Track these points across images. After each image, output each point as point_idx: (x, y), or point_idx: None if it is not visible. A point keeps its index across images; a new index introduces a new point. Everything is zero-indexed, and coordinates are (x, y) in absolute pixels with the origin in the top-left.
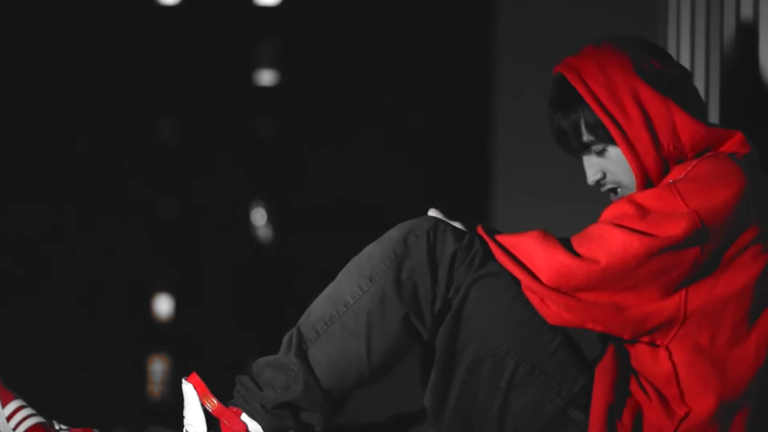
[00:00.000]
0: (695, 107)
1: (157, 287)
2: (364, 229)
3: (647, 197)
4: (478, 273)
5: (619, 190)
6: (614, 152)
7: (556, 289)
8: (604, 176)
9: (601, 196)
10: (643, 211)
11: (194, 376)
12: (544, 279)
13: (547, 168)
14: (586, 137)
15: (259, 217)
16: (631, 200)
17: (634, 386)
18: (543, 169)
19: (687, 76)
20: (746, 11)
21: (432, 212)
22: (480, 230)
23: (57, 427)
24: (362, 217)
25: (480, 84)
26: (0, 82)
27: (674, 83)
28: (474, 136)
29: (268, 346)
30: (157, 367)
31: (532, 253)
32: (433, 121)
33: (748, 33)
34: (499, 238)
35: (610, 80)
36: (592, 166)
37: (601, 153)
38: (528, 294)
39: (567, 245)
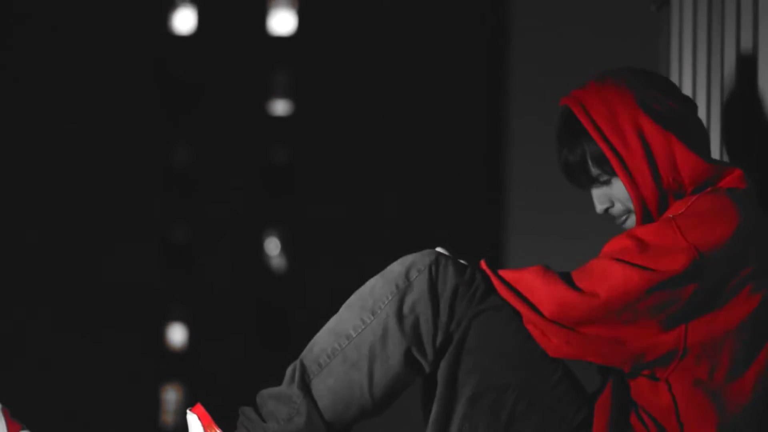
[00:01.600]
0: (698, 142)
1: (170, 315)
2: (376, 255)
3: (647, 232)
4: (480, 307)
5: (627, 220)
6: (619, 183)
7: (557, 323)
8: (612, 205)
9: (603, 229)
10: (643, 245)
11: (199, 407)
12: (546, 312)
13: (558, 198)
14: (593, 170)
15: (273, 246)
16: (631, 235)
17: (633, 419)
18: (554, 198)
19: (692, 109)
20: (746, 42)
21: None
22: (483, 265)
23: None
24: (374, 242)
25: (494, 112)
26: (19, 103)
27: (677, 118)
28: (487, 162)
29: (276, 375)
30: (171, 396)
31: (534, 287)
32: (445, 149)
33: (748, 63)
34: (502, 272)
35: (613, 112)
36: (600, 197)
37: (607, 183)
38: (529, 327)
39: (568, 280)
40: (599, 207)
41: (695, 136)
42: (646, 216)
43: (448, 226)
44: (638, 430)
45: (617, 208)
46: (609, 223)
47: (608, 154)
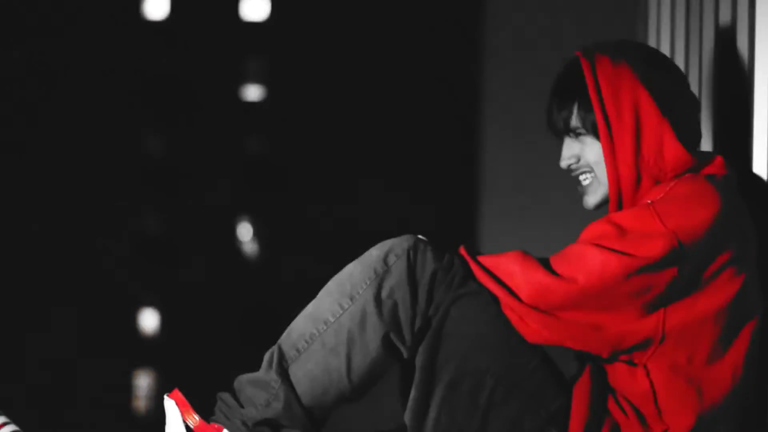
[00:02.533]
0: (689, 128)
1: (143, 301)
2: (350, 243)
3: (625, 217)
4: (458, 292)
5: (588, 178)
6: (595, 146)
7: (535, 308)
8: (578, 161)
9: (581, 215)
10: (621, 231)
11: (176, 392)
12: (524, 297)
13: (532, 186)
14: (574, 122)
15: (245, 231)
16: (609, 220)
17: (611, 404)
18: (526, 188)
19: (689, 89)
20: (724, 18)
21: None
22: (462, 250)
23: None
24: (348, 231)
25: (469, 101)
26: None
27: (676, 101)
28: (462, 152)
29: (255, 361)
30: (143, 381)
31: (512, 272)
32: (420, 137)
33: (727, 42)
34: (480, 258)
35: (618, 82)
36: (569, 150)
37: (582, 140)
38: (507, 312)
39: (546, 265)
40: (564, 162)
41: (688, 121)
42: (616, 191)
43: (425, 215)
44: (616, 415)
45: (581, 164)
46: (584, 211)
47: (598, 117)
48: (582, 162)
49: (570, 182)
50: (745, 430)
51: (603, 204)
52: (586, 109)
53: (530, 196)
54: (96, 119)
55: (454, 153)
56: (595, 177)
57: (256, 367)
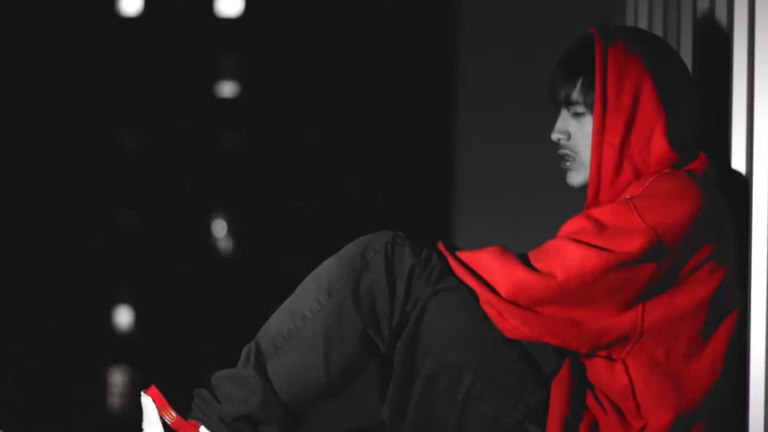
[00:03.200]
0: (683, 130)
1: (119, 298)
2: (325, 240)
3: (604, 213)
4: (436, 287)
5: (570, 161)
6: (589, 125)
7: (514, 303)
8: (568, 138)
9: (559, 210)
10: (600, 226)
11: (153, 389)
12: (503, 293)
13: (507, 183)
14: (575, 95)
15: (219, 228)
16: (588, 216)
17: (590, 400)
18: (503, 184)
19: (693, 89)
20: (702, 5)
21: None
22: (440, 246)
23: None
24: (323, 227)
25: (444, 99)
26: None
27: (678, 104)
28: (436, 150)
29: (230, 357)
30: (118, 378)
31: (491, 267)
32: (396, 134)
33: (705, 28)
34: (458, 253)
35: (626, 65)
36: (564, 124)
37: (578, 117)
38: (486, 308)
39: (525, 260)
40: (555, 134)
41: (684, 123)
42: (596, 173)
43: (402, 211)
44: (595, 411)
45: (569, 145)
46: (559, 208)
47: (597, 94)
48: (571, 142)
49: (545, 178)
50: (724, 426)
51: (586, 184)
52: (589, 85)
53: (505, 192)
54: (71, 115)
55: (430, 149)
56: (579, 159)
57: (232, 363)
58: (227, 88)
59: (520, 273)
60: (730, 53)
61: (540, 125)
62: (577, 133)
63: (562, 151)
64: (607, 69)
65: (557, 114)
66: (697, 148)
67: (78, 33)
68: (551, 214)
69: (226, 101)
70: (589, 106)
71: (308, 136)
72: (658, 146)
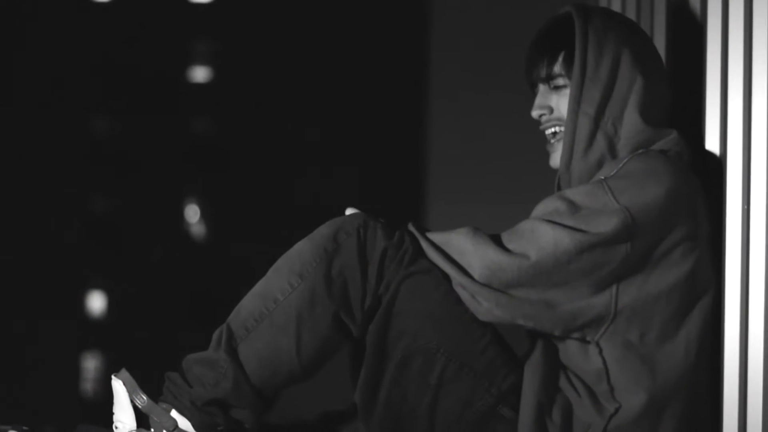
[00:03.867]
0: (655, 105)
1: (91, 284)
2: (296, 225)
3: (578, 194)
4: (409, 270)
5: (558, 132)
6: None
7: (487, 286)
8: (551, 112)
9: (530, 196)
10: (574, 207)
11: (124, 372)
12: (475, 275)
13: (479, 168)
14: (557, 69)
15: (192, 213)
16: (561, 197)
17: (563, 383)
18: (475, 169)
19: (663, 66)
20: None
21: (350, 211)
22: (410, 227)
23: None
24: (294, 212)
25: (415, 83)
26: None
27: (650, 76)
28: (409, 135)
29: (203, 342)
30: (90, 363)
31: (463, 249)
32: (368, 120)
33: (679, 12)
34: (430, 235)
35: (605, 36)
36: (543, 100)
37: (558, 89)
38: (459, 291)
39: (497, 241)
40: (536, 111)
41: (657, 98)
42: (570, 141)
43: (373, 194)
44: (568, 393)
45: (553, 116)
46: (532, 188)
47: (577, 65)
48: (554, 114)
49: (517, 159)
50: (698, 409)
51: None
52: (571, 57)
53: (477, 173)
54: (40, 101)
55: (401, 131)
56: (557, 141)
57: (204, 347)
58: (199, 74)
59: (492, 255)
60: (703, 33)
61: (513, 106)
62: (559, 104)
63: (548, 124)
64: (588, 41)
65: (533, 96)
66: (671, 128)
67: (47, 18)
68: (523, 194)
69: (198, 86)
70: (568, 77)
71: (280, 122)
72: (631, 118)
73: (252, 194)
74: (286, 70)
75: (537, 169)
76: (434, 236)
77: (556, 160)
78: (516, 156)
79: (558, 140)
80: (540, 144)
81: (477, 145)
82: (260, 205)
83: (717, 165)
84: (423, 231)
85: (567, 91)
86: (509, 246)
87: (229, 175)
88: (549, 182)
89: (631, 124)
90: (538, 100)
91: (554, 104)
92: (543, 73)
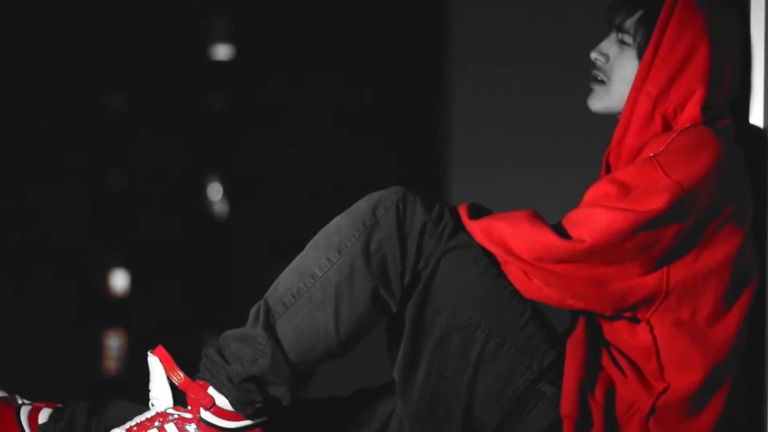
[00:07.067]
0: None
1: (111, 262)
2: (317, 203)
3: (629, 174)
4: (448, 245)
5: (598, 84)
6: (632, 61)
7: (539, 261)
8: (606, 61)
9: (561, 176)
10: (625, 189)
11: (160, 348)
12: (525, 255)
13: (506, 141)
14: (629, 25)
15: (215, 191)
16: (612, 179)
17: (606, 360)
18: (502, 142)
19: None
20: None
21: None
22: (462, 210)
23: (20, 401)
24: (314, 191)
25: (434, 61)
26: None
27: (727, 66)
28: (427, 110)
29: (222, 320)
30: (114, 342)
31: (521, 229)
32: (385, 99)
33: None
34: (483, 219)
35: (690, 21)
36: (607, 47)
37: (623, 46)
38: (509, 268)
39: (554, 227)
40: (595, 54)
41: (727, 86)
42: (627, 116)
43: (391, 176)
44: (610, 371)
45: (604, 69)
46: (555, 178)
47: (653, 41)
48: (607, 66)
49: (545, 139)
50: (739, 393)
51: (605, 114)
52: (647, 22)
53: (505, 149)
54: (53, 74)
55: (421, 113)
56: (607, 87)
57: (235, 325)
58: (221, 52)
59: (548, 236)
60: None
61: (539, 80)
62: (616, 60)
63: (596, 72)
64: (672, 17)
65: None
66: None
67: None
68: (553, 177)
69: (216, 63)
70: (637, 42)
71: (299, 101)
72: (692, 110)
73: (272, 170)
74: (304, 49)
75: (566, 147)
76: (486, 221)
77: (593, 102)
78: (545, 135)
79: (600, 89)
80: (569, 132)
81: (504, 120)
82: (280, 181)
83: (761, 139)
84: (475, 211)
85: (628, 51)
86: (565, 233)
87: (247, 152)
88: (577, 169)
89: (691, 114)
90: (602, 44)
91: (612, 55)
92: (617, 20)
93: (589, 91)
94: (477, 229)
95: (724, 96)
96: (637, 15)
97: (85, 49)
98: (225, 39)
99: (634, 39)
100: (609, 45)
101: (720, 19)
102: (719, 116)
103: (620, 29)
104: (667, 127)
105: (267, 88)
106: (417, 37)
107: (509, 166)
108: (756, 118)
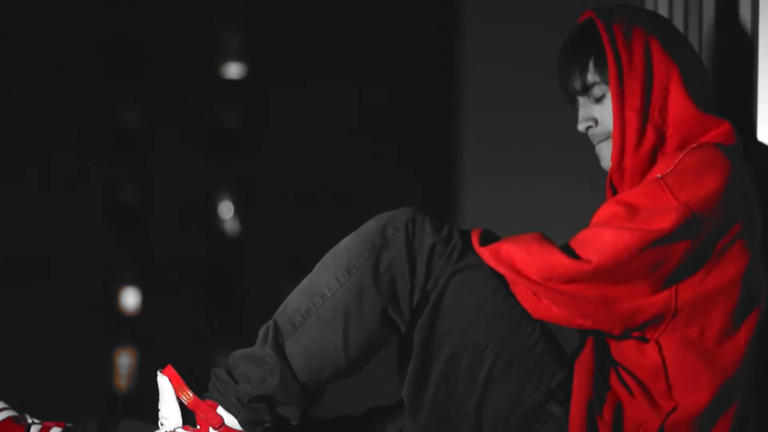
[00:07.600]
0: (697, 82)
1: (122, 279)
2: (331, 220)
3: (635, 195)
4: (457, 265)
5: (604, 141)
6: (610, 103)
7: (547, 281)
8: (596, 124)
9: (568, 197)
10: (632, 210)
11: (169, 368)
12: (534, 275)
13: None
14: (591, 77)
15: (226, 209)
16: (619, 201)
17: (614, 380)
18: (511, 165)
19: (690, 45)
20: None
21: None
22: (474, 237)
23: (30, 420)
24: (329, 207)
25: (448, 71)
26: None
27: (686, 55)
28: (442, 126)
29: (235, 339)
30: (124, 360)
31: (531, 250)
32: (401, 113)
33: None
34: (491, 246)
35: (631, 31)
36: (587, 112)
37: (599, 100)
38: (515, 288)
39: (562, 248)
40: (582, 125)
41: (696, 75)
42: (619, 139)
43: (403, 195)
44: (618, 391)
45: (599, 130)
46: (565, 192)
47: (610, 61)
48: (599, 128)
49: (554, 165)
50: (748, 412)
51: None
52: (602, 61)
53: (513, 173)
54: (66, 86)
55: (436, 127)
56: (610, 139)
57: (245, 344)
58: (233, 70)
59: (558, 256)
60: (755, 22)
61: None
62: (604, 116)
63: (597, 135)
64: (615, 36)
65: (574, 109)
66: (722, 117)
67: (73, 8)
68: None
69: (230, 82)
70: (607, 84)
71: (311, 119)
72: (677, 101)
73: (285, 186)
74: (318, 64)
75: (578, 168)
76: (495, 246)
77: (608, 159)
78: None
79: (605, 140)
80: (577, 141)
81: (513, 141)
82: (294, 197)
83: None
84: (487, 238)
85: (608, 101)
86: (573, 253)
87: (260, 168)
88: (584, 181)
89: (677, 110)
90: (581, 113)
91: (598, 116)
92: (578, 84)
93: (596, 158)
94: (486, 251)
95: (702, 86)
96: (590, 64)
97: (101, 62)
98: (238, 57)
99: (603, 80)
100: (586, 109)
101: (655, 22)
102: (713, 118)
103: (585, 89)
104: (661, 136)
105: (279, 104)
106: (431, 60)
107: (520, 178)
108: (764, 135)
